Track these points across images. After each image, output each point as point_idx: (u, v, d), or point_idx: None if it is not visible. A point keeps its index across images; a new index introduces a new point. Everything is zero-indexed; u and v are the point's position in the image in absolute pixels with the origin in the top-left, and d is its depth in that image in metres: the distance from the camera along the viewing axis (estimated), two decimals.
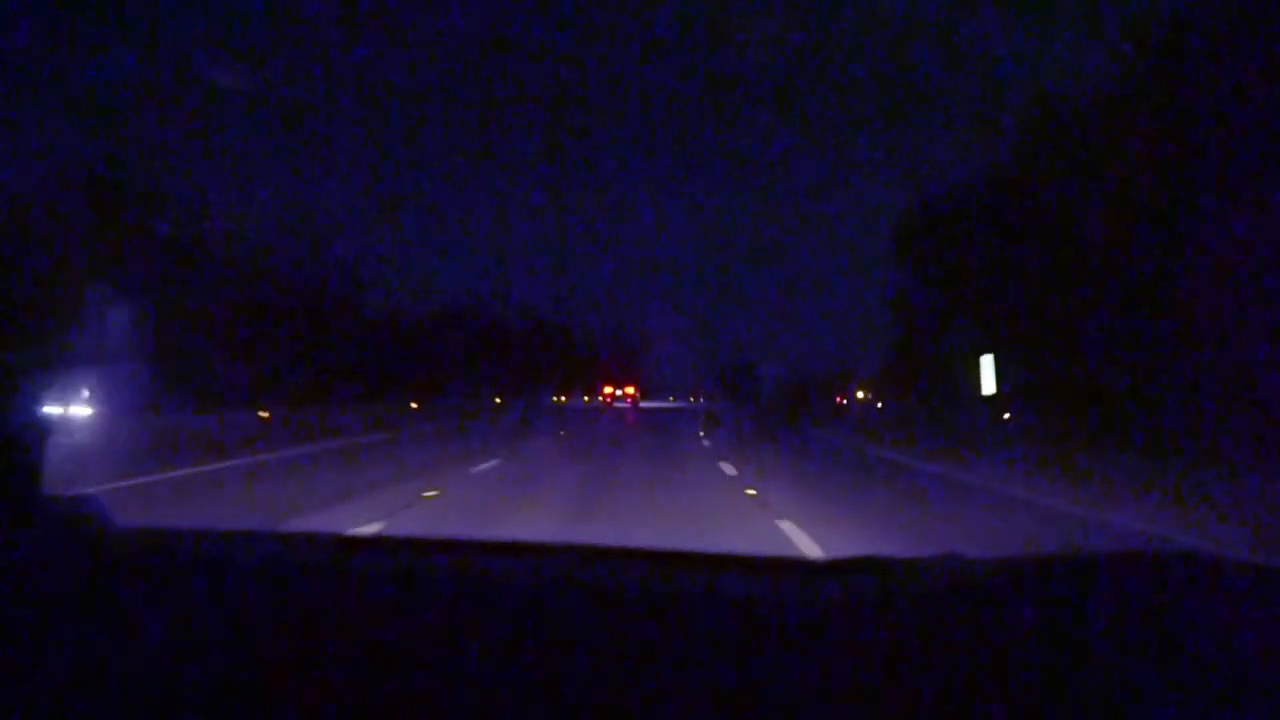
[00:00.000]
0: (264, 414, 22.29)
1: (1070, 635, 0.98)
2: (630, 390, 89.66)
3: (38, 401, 1.26)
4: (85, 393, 13.98)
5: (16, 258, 23.15)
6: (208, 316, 29.19)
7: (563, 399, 67.36)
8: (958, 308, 32.92)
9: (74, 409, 13.33)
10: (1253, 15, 17.56)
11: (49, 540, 1.21)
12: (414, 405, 31.96)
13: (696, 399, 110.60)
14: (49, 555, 1.18)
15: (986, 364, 24.83)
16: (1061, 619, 1.01)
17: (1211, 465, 12.62)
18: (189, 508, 8.17)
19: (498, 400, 45.60)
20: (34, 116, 37.44)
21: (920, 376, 39.14)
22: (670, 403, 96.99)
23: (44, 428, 1.24)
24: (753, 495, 9.45)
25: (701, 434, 23.32)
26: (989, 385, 24.59)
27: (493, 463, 12.85)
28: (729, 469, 12.47)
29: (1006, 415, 28.22)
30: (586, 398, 79.21)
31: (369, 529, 6.37)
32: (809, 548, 6.14)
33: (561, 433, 22.69)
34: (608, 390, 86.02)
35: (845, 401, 69.97)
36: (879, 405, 43.32)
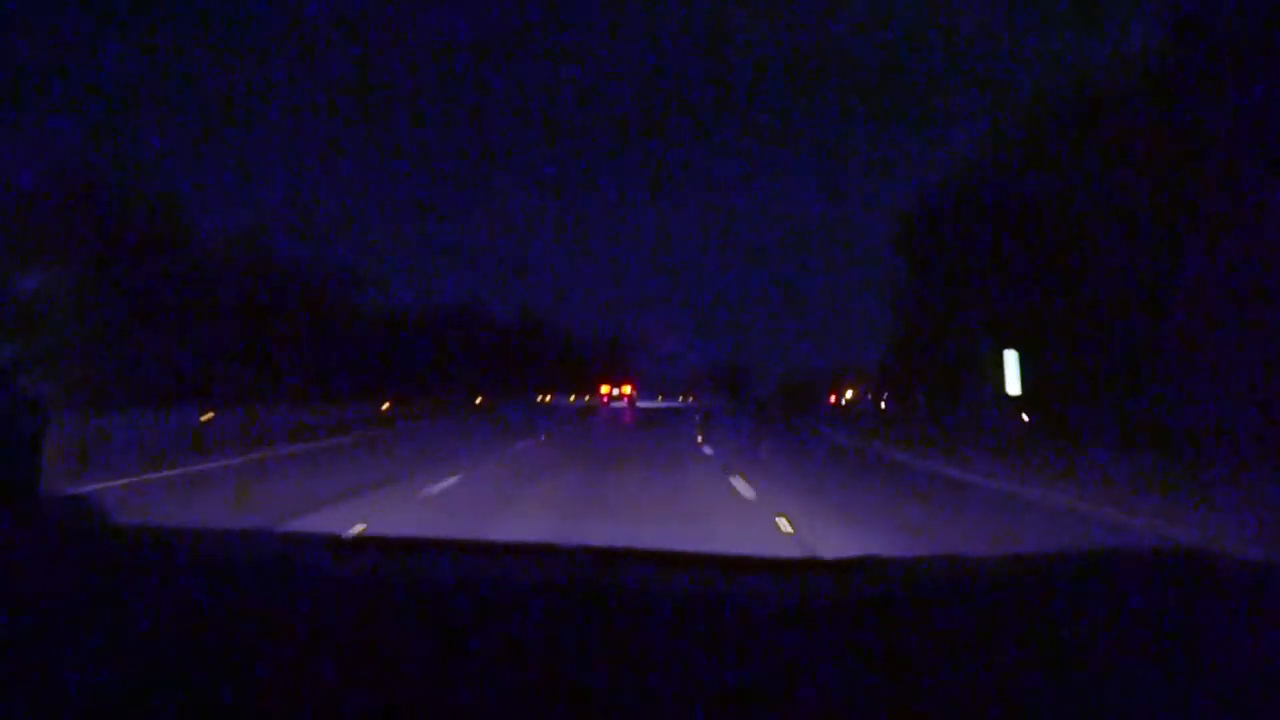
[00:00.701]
0: (207, 415, 19.66)
1: (1070, 633, 0.98)
2: (627, 390, 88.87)
3: (35, 400, 1.48)
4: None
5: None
6: (164, 310, 27.04)
7: (547, 398, 64.48)
8: (968, 303, 30.60)
9: None
10: None
11: (46, 538, 1.24)
12: (385, 406, 29.34)
13: (688, 398, 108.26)
14: (47, 552, 1.19)
15: (1010, 361, 22.47)
16: (1061, 617, 1.02)
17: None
18: None
19: (478, 400, 42.92)
20: (23, 111, 35.75)
21: (928, 375, 36.80)
22: (659, 402, 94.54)
23: (41, 426, 1.36)
24: (789, 533, 6.97)
25: (699, 438, 20.88)
26: (1013, 384, 22.26)
27: (450, 480, 10.32)
28: (746, 490, 9.95)
29: (1025, 416, 25.96)
30: (573, 397, 76.64)
31: None
32: None
33: (542, 438, 20.14)
34: (604, 389, 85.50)
35: (844, 400, 67.70)
36: (882, 405, 40.82)
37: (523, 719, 0.89)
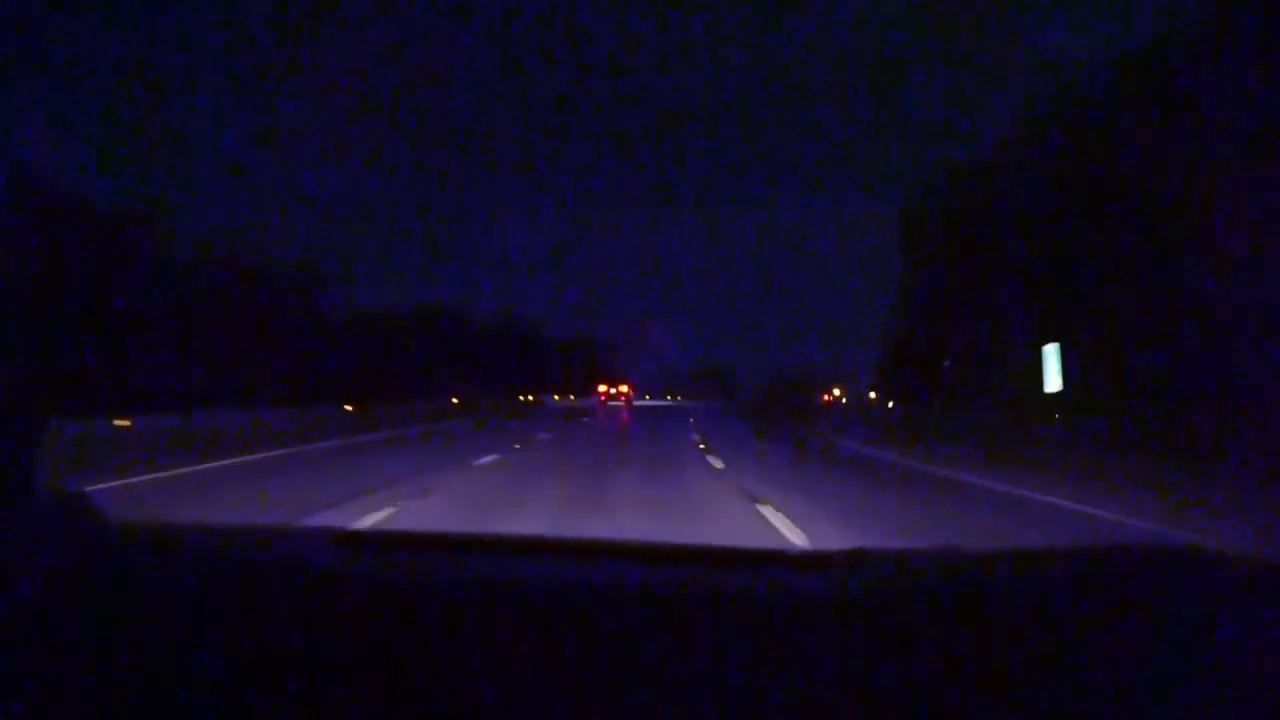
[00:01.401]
0: (122, 422, 16.63)
1: (1065, 629, 0.97)
2: (624, 389, 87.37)
3: (34, 397, 1.22)
4: None
5: None
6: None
7: (529, 399, 61.32)
8: (992, 293, 27.85)
9: None
10: None
11: (46, 535, 1.20)
12: (348, 408, 26.30)
13: (676, 397, 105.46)
14: (47, 549, 1.18)
15: (1050, 356, 19.75)
16: (1056, 612, 1.01)
17: None
18: None
19: (454, 401, 39.86)
20: None
21: (940, 374, 34.03)
22: (647, 400, 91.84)
23: (40, 423, 1.21)
24: None
25: (701, 444, 18.00)
26: (1053, 381, 19.56)
27: (383, 513, 7.40)
28: (787, 527, 7.03)
29: (1056, 416, 23.23)
30: (556, 397, 73.69)
31: None
32: None
33: (516, 446, 17.18)
34: (602, 389, 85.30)
35: (842, 400, 64.80)
36: (889, 406, 37.98)
37: (520, 714, 0.88)
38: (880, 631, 0.98)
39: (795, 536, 6.59)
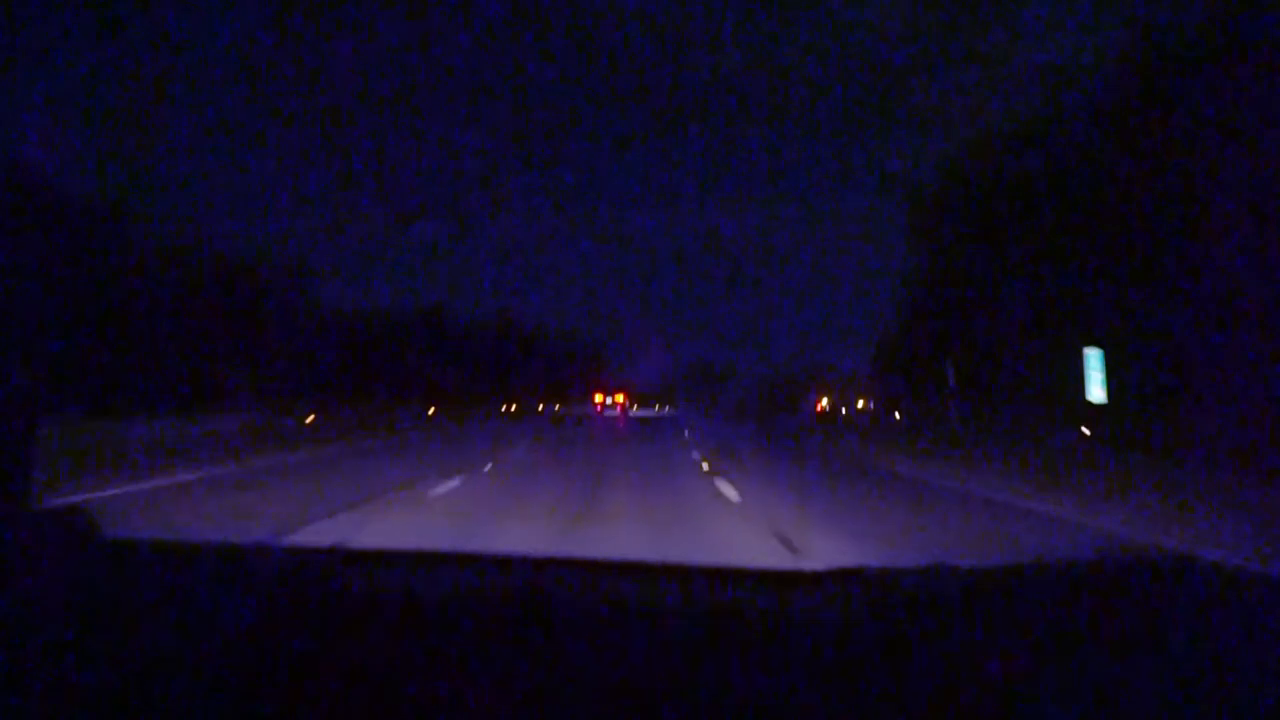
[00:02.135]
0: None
1: (1061, 640, 0.98)
2: (620, 399, 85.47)
3: (27, 406, 1.19)
4: None
5: None
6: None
7: (511, 408, 58.36)
8: (1016, 292, 25.56)
9: None
10: None
11: (40, 549, 1.21)
12: (309, 419, 23.70)
13: (663, 406, 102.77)
14: (40, 563, 1.18)
15: (1093, 362, 17.43)
16: (1052, 624, 1.03)
17: None
18: None
19: (430, 412, 37.23)
20: None
21: (954, 379, 31.73)
22: (635, 411, 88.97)
23: (32, 433, 1.18)
24: None
25: (704, 463, 15.58)
26: (1095, 390, 17.23)
27: None
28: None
29: (1084, 430, 20.95)
30: (541, 406, 70.82)
31: None
32: None
33: (488, 468, 14.70)
34: (598, 399, 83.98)
35: (843, 410, 62.34)
36: (896, 415, 35.58)
37: None
38: (876, 647, 0.98)
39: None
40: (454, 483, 11.69)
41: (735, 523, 8.50)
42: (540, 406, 70.08)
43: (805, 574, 1.29)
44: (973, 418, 27.87)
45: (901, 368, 37.61)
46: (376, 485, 11.47)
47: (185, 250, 30.62)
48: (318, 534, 7.15)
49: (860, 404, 67.08)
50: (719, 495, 10.77)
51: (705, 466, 14.98)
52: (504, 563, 1.41)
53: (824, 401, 73.24)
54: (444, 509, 9.18)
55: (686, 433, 30.78)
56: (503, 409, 56.90)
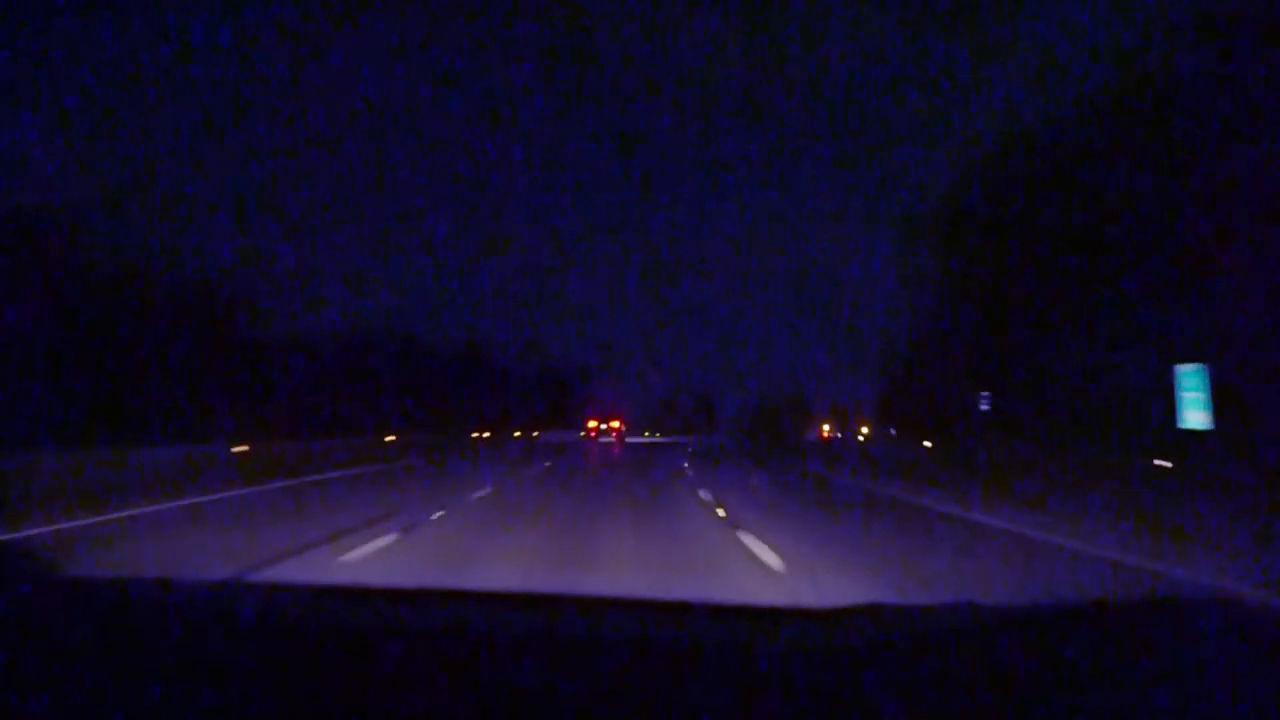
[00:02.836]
0: None
1: (1078, 680, 0.96)
2: (616, 425, 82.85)
3: None
4: None
5: None
6: None
7: (486, 435, 54.69)
8: (1067, 307, 22.78)
9: None
10: None
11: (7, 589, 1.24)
12: (241, 449, 20.50)
13: (654, 434, 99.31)
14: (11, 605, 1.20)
15: (1191, 380, 14.55)
16: (1074, 667, 1.01)
17: None
18: None
19: (389, 439, 33.94)
20: None
21: (974, 403, 28.83)
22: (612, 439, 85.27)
23: None
24: None
25: (718, 509, 12.57)
26: (1196, 414, 14.34)
27: None
28: None
29: (1159, 462, 18.05)
30: (518, 432, 67.23)
31: None
32: None
33: (437, 516, 11.61)
34: (591, 424, 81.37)
35: (859, 435, 59.06)
36: (926, 444, 32.47)
37: None
38: (895, 682, 0.97)
39: None
40: (385, 540, 8.64)
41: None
42: (517, 432, 66.43)
43: (827, 611, 1.29)
44: (1012, 447, 24.93)
45: (918, 391, 34.72)
46: (277, 542, 8.45)
47: (128, 267, 28.26)
48: None
49: (865, 430, 64.18)
50: (753, 558, 7.78)
51: (721, 513, 11.94)
52: (501, 599, 1.51)
53: (826, 428, 70.40)
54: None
55: (686, 465, 27.37)
56: (475, 434, 53.39)
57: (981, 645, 1.08)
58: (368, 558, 7.57)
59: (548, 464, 26.27)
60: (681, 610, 1.32)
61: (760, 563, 7.55)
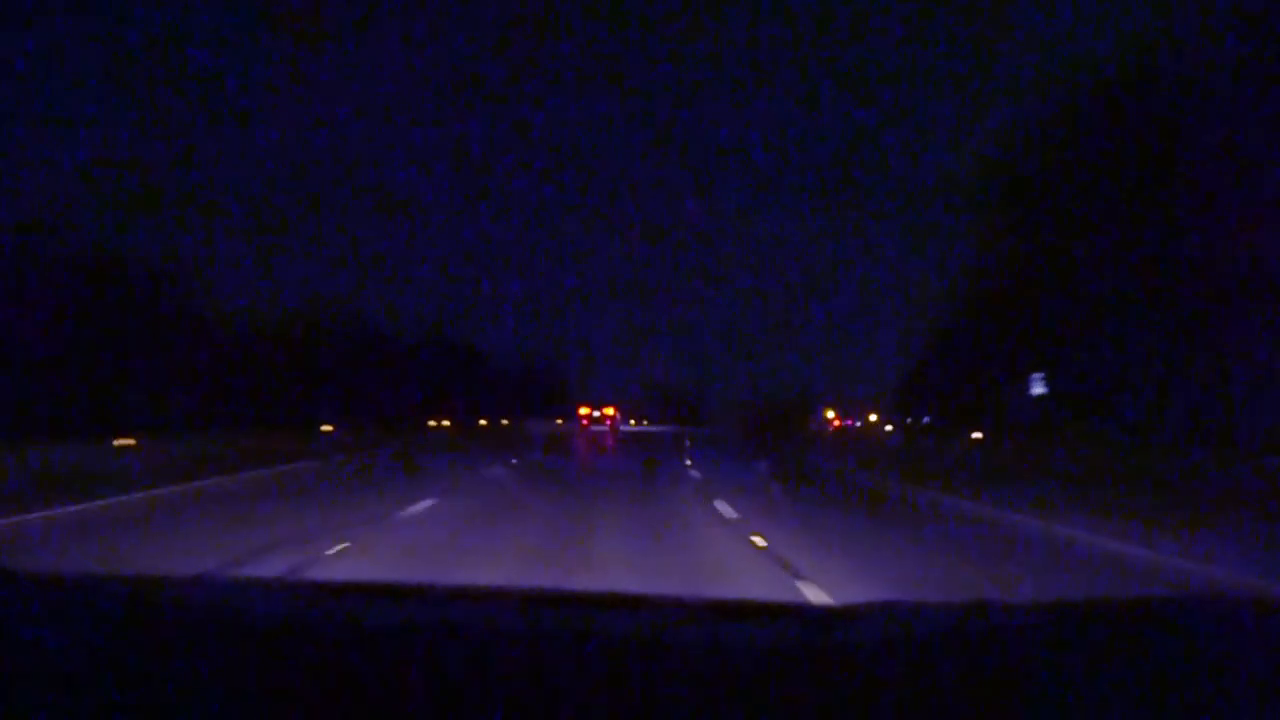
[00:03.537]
0: None
1: (1093, 681, 0.95)
2: (610, 412, 79.80)
3: None
4: None
5: None
6: None
7: (438, 422, 50.16)
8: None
9: None
10: None
11: None
12: (124, 442, 16.58)
13: (639, 422, 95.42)
14: None
15: None
16: (1088, 664, 0.99)
17: None
18: None
19: (325, 428, 29.95)
20: None
21: (1023, 395, 25.18)
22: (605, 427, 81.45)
23: None
24: None
25: (757, 538, 8.86)
26: None
27: None
28: None
29: None
30: (484, 420, 63.13)
31: None
32: None
33: (338, 549, 7.78)
34: (583, 412, 79.01)
35: (888, 428, 54.57)
36: (975, 436, 28.62)
37: None
38: (908, 681, 0.97)
39: None
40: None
41: None
42: (484, 421, 62.29)
43: (837, 609, 1.29)
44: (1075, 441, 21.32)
45: (952, 373, 31.07)
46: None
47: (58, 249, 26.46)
48: None
49: (873, 418, 60.81)
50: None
51: (762, 544, 8.16)
52: (483, 596, 1.45)
53: (833, 416, 66.86)
54: None
55: (688, 463, 23.12)
56: (433, 423, 49.14)
57: (1000, 644, 1.05)
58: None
59: (515, 461, 22.16)
60: (689, 608, 1.30)
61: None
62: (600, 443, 40.51)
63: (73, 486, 11.72)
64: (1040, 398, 22.90)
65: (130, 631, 1.12)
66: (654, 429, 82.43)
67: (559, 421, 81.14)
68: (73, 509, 10.11)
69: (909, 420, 43.96)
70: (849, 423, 65.98)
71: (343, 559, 7.02)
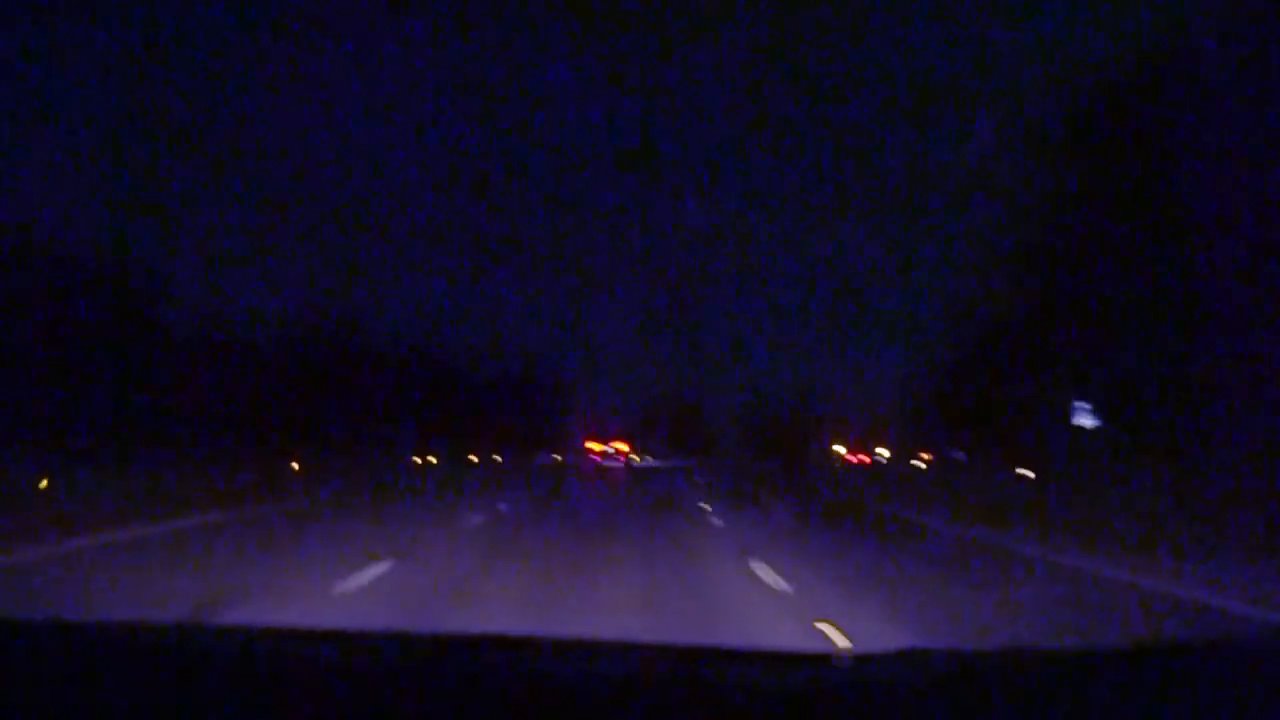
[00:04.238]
0: None
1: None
2: (623, 447, 75.99)
3: None
4: None
5: None
6: None
7: (429, 459, 46.60)
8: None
9: None
10: None
11: None
12: (42, 484, 14.47)
13: (642, 458, 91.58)
14: None
15: None
16: (1118, 709, 1.01)
17: None
18: None
19: (294, 467, 27.80)
20: None
21: (1064, 426, 23.16)
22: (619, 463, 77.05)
23: None
24: None
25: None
26: None
27: None
28: None
29: None
30: (474, 457, 58.86)
31: None
32: None
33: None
34: (590, 446, 74.79)
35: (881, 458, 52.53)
36: (1024, 472, 26.34)
37: None
38: None
39: None
40: None
41: None
42: (474, 458, 58.12)
43: (864, 656, 1.36)
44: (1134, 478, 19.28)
45: (979, 403, 29.09)
46: None
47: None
48: None
49: (883, 452, 58.70)
50: None
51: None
52: (495, 642, 1.49)
53: (844, 451, 64.34)
54: None
55: (710, 509, 20.27)
56: (418, 460, 46.72)
57: (1024, 689, 1.05)
58: None
59: (502, 507, 19.15)
60: (718, 656, 1.35)
61: None
62: (610, 479, 37.91)
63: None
64: (1088, 429, 20.91)
65: (102, 676, 1.17)
66: (659, 463, 76.15)
67: (556, 457, 73.25)
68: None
69: (954, 455, 41.36)
70: (860, 458, 63.28)
71: None
